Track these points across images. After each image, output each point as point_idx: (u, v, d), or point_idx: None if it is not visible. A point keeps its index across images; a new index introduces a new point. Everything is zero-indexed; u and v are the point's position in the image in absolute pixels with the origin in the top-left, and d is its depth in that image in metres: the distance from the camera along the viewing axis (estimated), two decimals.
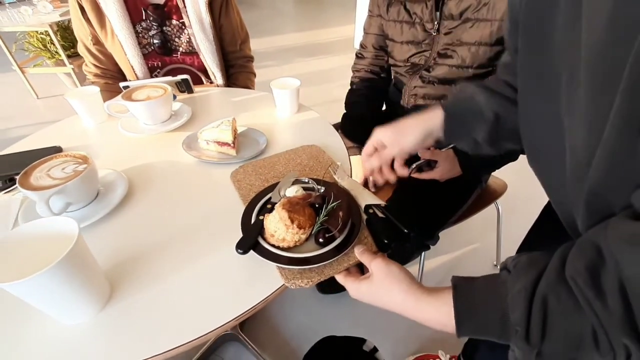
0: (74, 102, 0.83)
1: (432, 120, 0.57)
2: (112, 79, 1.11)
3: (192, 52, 1.08)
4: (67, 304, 0.42)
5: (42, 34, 2.60)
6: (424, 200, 0.91)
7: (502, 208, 1.24)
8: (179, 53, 1.08)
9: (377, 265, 0.44)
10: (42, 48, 2.67)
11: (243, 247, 0.48)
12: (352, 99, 1.12)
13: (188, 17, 1.02)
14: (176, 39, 1.06)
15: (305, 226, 0.49)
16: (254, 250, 0.49)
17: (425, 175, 0.88)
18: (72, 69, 2.62)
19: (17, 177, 0.55)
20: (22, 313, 0.45)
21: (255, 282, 0.49)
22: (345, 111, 1.13)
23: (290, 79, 0.88)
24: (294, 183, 0.59)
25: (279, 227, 0.48)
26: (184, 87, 0.96)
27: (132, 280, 0.50)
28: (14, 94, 2.85)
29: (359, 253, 0.49)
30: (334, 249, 0.49)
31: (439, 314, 0.38)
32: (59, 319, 0.44)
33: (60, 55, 2.58)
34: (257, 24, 4.24)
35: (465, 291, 0.37)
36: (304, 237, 0.49)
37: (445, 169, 0.87)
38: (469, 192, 0.98)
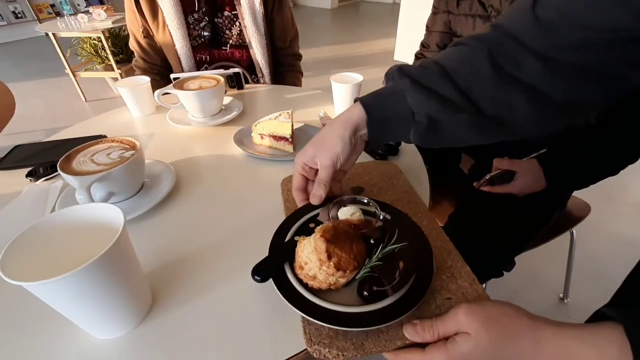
0: (124, 90, 0.78)
1: (353, 120, 0.44)
2: (159, 75, 1.08)
3: (242, 46, 1.03)
4: (102, 313, 0.33)
5: (95, 39, 2.73)
6: (499, 218, 0.78)
7: (575, 233, 1.07)
8: (228, 46, 1.03)
9: (470, 315, 0.30)
10: (94, 53, 2.79)
11: (262, 273, 0.36)
12: None
13: (241, 9, 0.97)
14: (227, 31, 1.02)
15: (347, 268, 0.35)
16: (274, 281, 0.36)
17: (501, 189, 0.75)
18: (120, 73, 2.71)
19: (59, 162, 0.49)
20: (46, 318, 0.38)
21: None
22: None
23: (351, 74, 0.80)
24: (352, 202, 0.44)
25: (312, 259, 0.36)
26: (235, 82, 0.91)
27: (176, 289, 0.41)
28: (64, 96, 3.00)
29: (415, 331, 0.32)
30: (380, 310, 0.34)
31: (601, 356, 0.26)
32: (90, 331, 0.35)
33: (109, 61, 2.68)
34: None
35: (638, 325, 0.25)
36: (342, 281, 0.36)
37: (526, 181, 0.74)
38: (550, 211, 0.84)
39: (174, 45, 0.97)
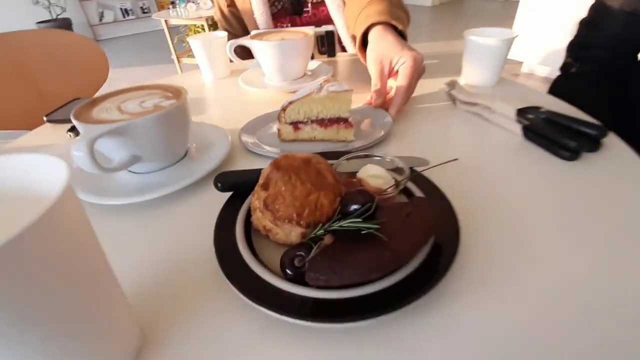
0: (196, 44, 0.65)
1: None
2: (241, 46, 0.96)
3: (322, 3, 0.83)
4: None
5: (199, 27, 2.87)
6: None
7: None
8: (309, 6, 0.84)
9: None
10: None
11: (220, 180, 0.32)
12: (575, 89, 0.71)
13: None
14: None
15: (278, 212, 0.25)
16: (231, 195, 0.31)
17: None
18: None
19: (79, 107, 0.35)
20: None
21: None
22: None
23: (496, 29, 0.54)
24: (392, 168, 0.32)
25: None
26: (326, 45, 0.72)
27: (176, 322, 0.23)
28: (167, 80, 3.25)
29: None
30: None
31: None
32: None
33: None
34: None
35: None
36: (274, 229, 0.26)
37: None
38: None
39: (253, 14, 0.82)
